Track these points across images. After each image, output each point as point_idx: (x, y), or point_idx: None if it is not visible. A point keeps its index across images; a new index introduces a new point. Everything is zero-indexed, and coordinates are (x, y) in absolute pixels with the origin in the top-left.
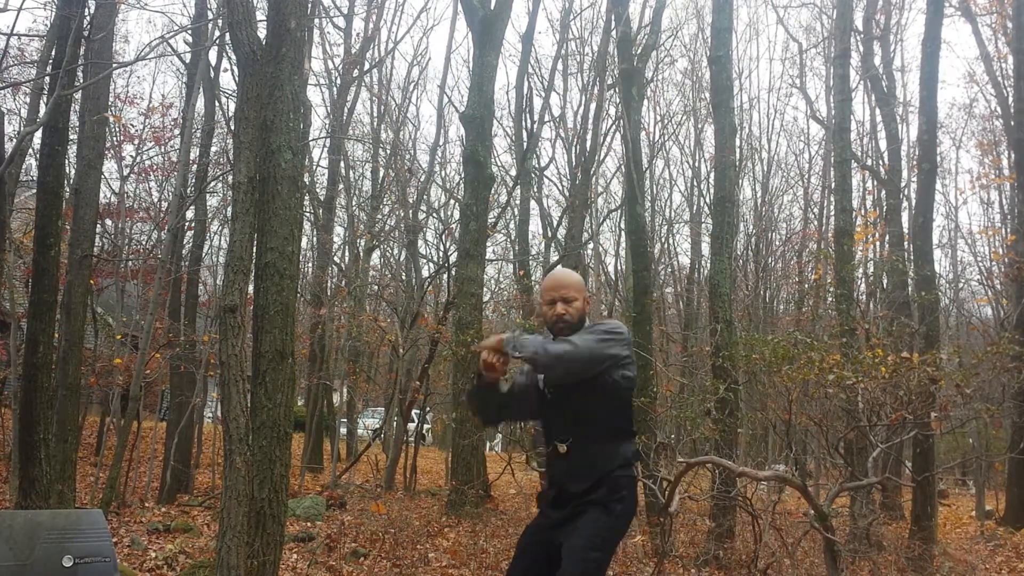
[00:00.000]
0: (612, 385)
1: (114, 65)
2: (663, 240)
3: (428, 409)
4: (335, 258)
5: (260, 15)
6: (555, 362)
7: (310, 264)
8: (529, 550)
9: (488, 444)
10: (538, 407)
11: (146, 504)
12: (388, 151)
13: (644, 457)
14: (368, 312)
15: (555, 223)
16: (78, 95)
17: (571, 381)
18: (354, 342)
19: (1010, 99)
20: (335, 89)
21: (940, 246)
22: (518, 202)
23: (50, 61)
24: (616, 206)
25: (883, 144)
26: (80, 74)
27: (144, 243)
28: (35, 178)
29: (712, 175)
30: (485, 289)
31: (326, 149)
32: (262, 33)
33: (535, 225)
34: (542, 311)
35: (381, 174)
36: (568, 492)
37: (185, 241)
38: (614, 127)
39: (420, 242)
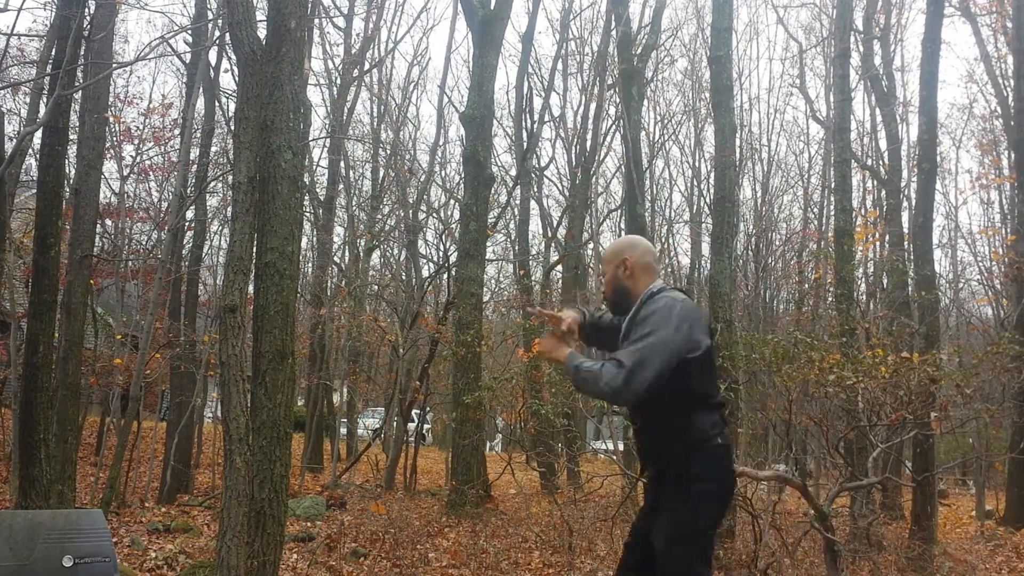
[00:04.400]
0: None
1: (114, 65)
2: (663, 240)
3: (428, 409)
4: (335, 258)
5: (260, 15)
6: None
7: (310, 264)
8: (633, 532)
9: (488, 444)
10: None
11: (146, 504)
12: (388, 151)
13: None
14: (368, 312)
15: (555, 223)
16: (78, 95)
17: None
18: (354, 342)
19: (1010, 99)
20: (335, 89)
21: (940, 246)
22: (518, 202)
23: (50, 61)
24: (616, 206)
25: (883, 144)
26: (80, 74)
27: (144, 243)
28: (35, 178)
29: (712, 175)
30: (485, 289)
31: (326, 149)
32: (262, 33)
33: (535, 225)
34: None
35: (381, 174)
36: (650, 474)
37: (185, 241)
38: (614, 127)
39: (420, 242)
